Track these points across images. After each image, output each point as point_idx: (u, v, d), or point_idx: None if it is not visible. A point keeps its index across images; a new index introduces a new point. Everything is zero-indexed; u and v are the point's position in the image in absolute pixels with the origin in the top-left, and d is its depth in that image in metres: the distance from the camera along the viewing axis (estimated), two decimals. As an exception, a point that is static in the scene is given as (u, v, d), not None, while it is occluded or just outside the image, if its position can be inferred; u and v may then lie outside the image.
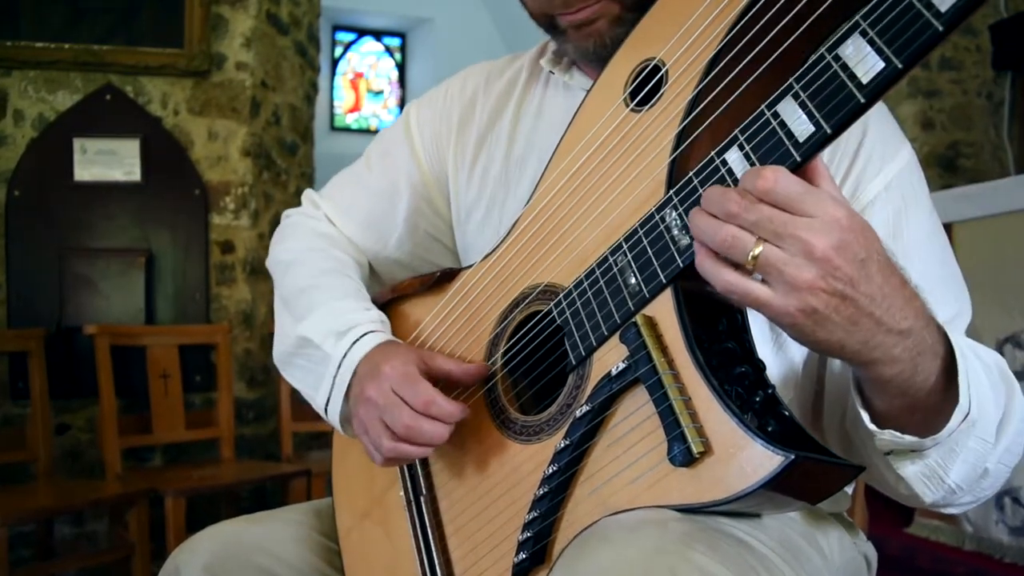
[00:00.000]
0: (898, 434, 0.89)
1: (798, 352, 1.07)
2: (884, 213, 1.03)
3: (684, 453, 0.81)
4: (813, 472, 0.79)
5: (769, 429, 0.80)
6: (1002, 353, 2.61)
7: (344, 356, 1.14)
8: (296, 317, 1.24)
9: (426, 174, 1.31)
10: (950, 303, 1.04)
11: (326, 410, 1.18)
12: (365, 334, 1.15)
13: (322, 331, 1.18)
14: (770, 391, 0.84)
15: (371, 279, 1.38)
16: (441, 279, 1.21)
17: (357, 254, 1.35)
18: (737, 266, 0.78)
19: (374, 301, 1.28)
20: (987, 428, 0.91)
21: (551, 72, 1.23)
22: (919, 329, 0.82)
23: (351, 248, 1.35)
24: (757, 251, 0.76)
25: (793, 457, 0.75)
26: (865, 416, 0.90)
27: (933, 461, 0.92)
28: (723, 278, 0.79)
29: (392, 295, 1.28)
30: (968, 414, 0.87)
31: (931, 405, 0.87)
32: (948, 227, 2.73)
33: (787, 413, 0.83)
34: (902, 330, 0.80)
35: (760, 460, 0.76)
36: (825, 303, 0.76)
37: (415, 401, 1.03)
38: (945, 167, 4.72)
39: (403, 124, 1.35)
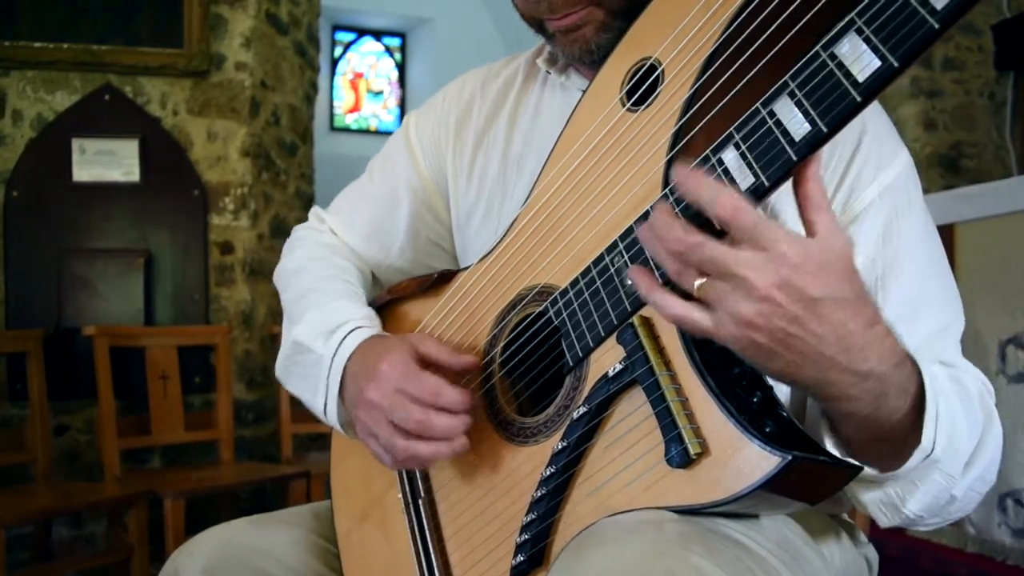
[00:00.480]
0: (855, 463, 0.88)
1: None
2: (876, 220, 1.02)
3: (681, 454, 0.81)
4: (811, 473, 0.79)
5: (767, 430, 0.80)
6: (1004, 355, 2.62)
7: (334, 354, 1.14)
8: (292, 324, 1.24)
9: (426, 180, 1.32)
10: (941, 313, 1.03)
11: (325, 413, 1.17)
12: (353, 330, 1.15)
13: (312, 333, 1.18)
14: (768, 392, 0.84)
15: (374, 288, 1.38)
16: (438, 281, 1.21)
17: (360, 263, 1.36)
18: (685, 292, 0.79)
19: (371, 304, 1.29)
20: (954, 464, 0.90)
21: (548, 72, 1.23)
22: (885, 371, 0.80)
23: (354, 257, 1.36)
24: (701, 282, 0.76)
25: (791, 458, 0.75)
26: (829, 442, 0.89)
27: (892, 491, 0.92)
28: (670, 310, 0.80)
29: (389, 297, 1.28)
30: (930, 454, 0.86)
31: (897, 439, 0.86)
32: (950, 228, 2.74)
33: (785, 414, 0.83)
34: (859, 371, 0.79)
35: (757, 461, 0.76)
36: (767, 338, 0.75)
37: (421, 394, 1.01)
38: (947, 168, 4.72)
39: (403, 133, 1.36)
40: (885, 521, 0.96)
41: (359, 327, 1.16)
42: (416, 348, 1.07)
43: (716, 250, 0.75)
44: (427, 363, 1.07)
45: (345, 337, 1.15)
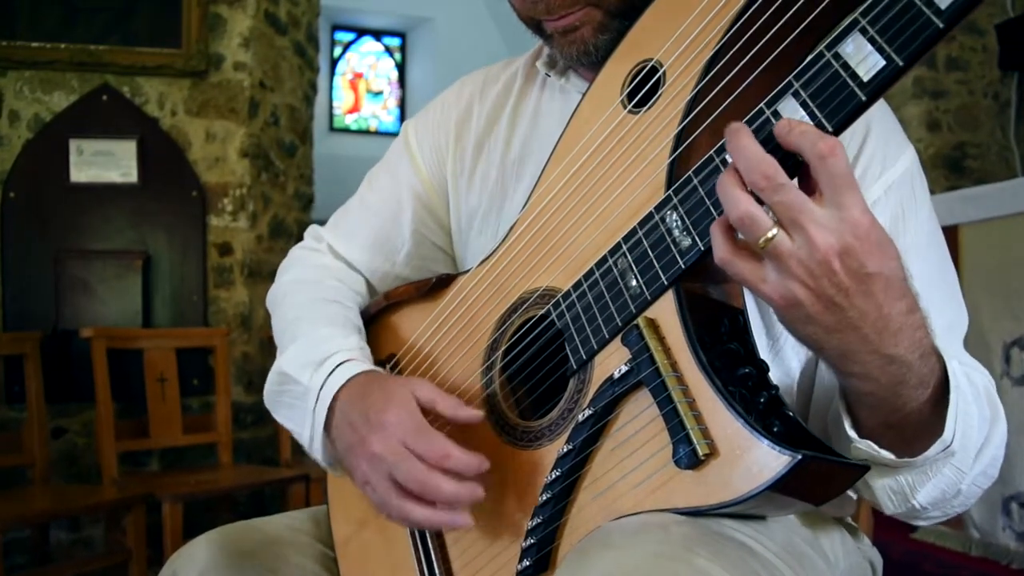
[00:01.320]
0: (875, 447, 0.89)
1: (795, 360, 1.07)
2: (883, 217, 1.02)
3: (690, 455, 0.81)
4: (820, 472, 0.79)
5: (775, 430, 0.80)
6: (1009, 357, 2.62)
7: (321, 387, 1.10)
8: (279, 352, 1.22)
9: (428, 185, 1.31)
10: (945, 311, 1.03)
11: (311, 448, 1.14)
12: (341, 363, 1.12)
13: (299, 363, 1.15)
14: (774, 392, 0.84)
15: None
16: (437, 285, 1.20)
17: (356, 282, 1.34)
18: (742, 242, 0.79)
19: (368, 309, 1.29)
20: (966, 458, 0.92)
21: (547, 75, 1.23)
22: (911, 361, 0.81)
23: (350, 276, 1.34)
24: (771, 234, 0.75)
25: (800, 457, 0.75)
26: (846, 421, 0.90)
27: (904, 479, 0.93)
28: (722, 252, 0.79)
29: (386, 302, 1.27)
30: (949, 446, 0.88)
31: (912, 429, 0.87)
32: (954, 229, 2.74)
33: (791, 414, 0.83)
34: (888, 355, 0.79)
35: (767, 460, 0.77)
36: (811, 302, 0.76)
37: (429, 455, 0.97)
38: (951, 168, 4.72)
39: (403, 139, 1.35)
40: (891, 508, 0.97)
41: (348, 360, 1.13)
42: (414, 394, 1.03)
43: (796, 195, 0.74)
44: (420, 405, 1.03)
45: (333, 370, 1.11)
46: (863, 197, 0.75)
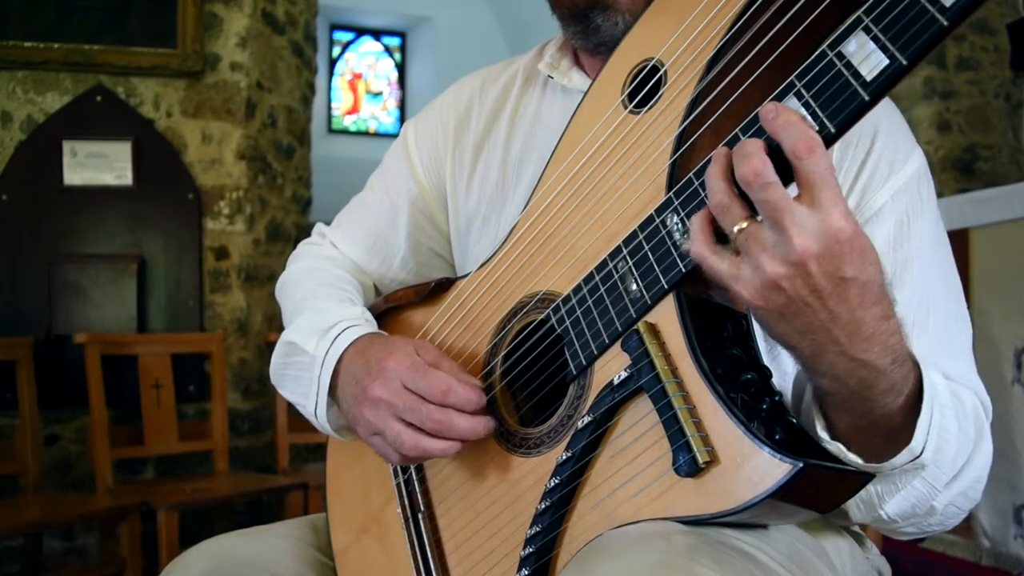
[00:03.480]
0: (843, 449, 0.89)
1: (790, 364, 1.07)
2: (888, 223, 1.03)
3: (690, 463, 0.81)
4: (822, 480, 0.79)
5: (777, 437, 0.80)
6: (1020, 363, 2.61)
7: (326, 352, 1.14)
8: (286, 327, 1.25)
9: (425, 189, 1.32)
10: (947, 323, 1.03)
11: (316, 415, 1.17)
12: (346, 328, 1.15)
13: (305, 332, 1.19)
14: (777, 398, 0.84)
15: None
16: (436, 289, 1.21)
17: (361, 275, 1.37)
18: (721, 235, 0.80)
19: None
20: (939, 475, 0.92)
21: (549, 76, 1.23)
22: (882, 366, 0.81)
23: (355, 269, 1.37)
24: (743, 225, 0.77)
25: (802, 465, 0.75)
26: (819, 422, 0.90)
27: (872, 488, 0.93)
28: (697, 247, 0.80)
29: (385, 306, 1.28)
30: (918, 457, 0.87)
31: (882, 436, 0.87)
32: (965, 233, 2.73)
33: (794, 420, 0.83)
34: (858, 359, 0.80)
35: (768, 468, 0.77)
36: (783, 302, 0.76)
37: (431, 392, 1.01)
38: (962, 170, 4.72)
39: (401, 142, 1.37)
40: (857, 516, 0.98)
41: (352, 326, 1.16)
42: (419, 352, 1.07)
43: (782, 195, 0.75)
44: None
45: (338, 336, 1.14)
46: (843, 199, 0.75)
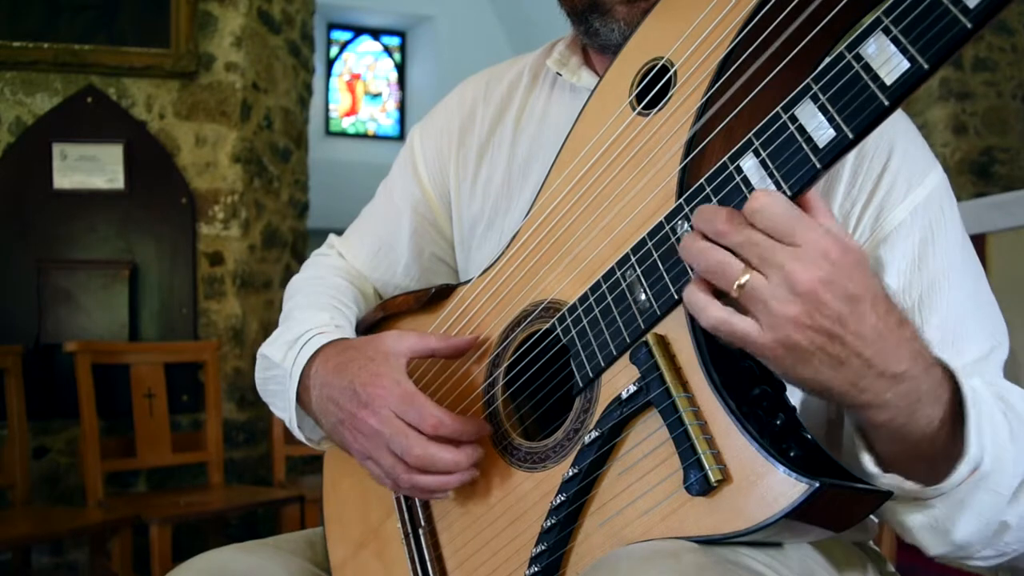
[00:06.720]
0: (900, 479, 0.87)
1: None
2: (908, 242, 1.02)
3: (701, 481, 0.80)
4: (839, 500, 0.79)
5: (791, 454, 0.79)
6: (1040, 371, 2.60)
7: (292, 365, 1.16)
8: None
9: (429, 194, 1.32)
10: (983, 338, 1.02)
11: (292, 427, 1.20)
12: (312, 338, 1.16)
13: (277, 345, 1.21)
14: (790, 413, 0.83)
15: None
16: (436, 296, 1.20)
17: (363, 283, 1.37)
18: (723, 296, 0.79)
19: (363, 320, 1.29)
20: (1002, 481, 0.89)
21: (558, 74, 1.22)
22: (916, 374, 0.80)
23: (357, 276, 1.38)
24: (743, 280, 0.76)
25: (818, 484, 0.74)
26: (867, 459, 0.88)
27: (939, 513, 0.90)
28: (709, 314, 0.79)
29: (383, 313, 1.27)
30: (978, 467, 0.85)
31: (936, 453, 0.85)
32: (982, 238, 2.73)
33: (809, 437, 0.82)
34: (895, 374, 0.79)
35: (782, 488, 0.76)
36: (810, 340, 0.75)
37: (422, 425, 1.00)
38: (978, 174, 4.71)
39: (408, 147, 1.38)
40: (934, 549, 0.94)
41: (318, 334, 1.17)
42: (398, 351, 1.07)
43: (760, 235, 0.75)
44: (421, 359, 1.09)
45: (302, 347, 1.16)
46: (816, 222, 0.76)
